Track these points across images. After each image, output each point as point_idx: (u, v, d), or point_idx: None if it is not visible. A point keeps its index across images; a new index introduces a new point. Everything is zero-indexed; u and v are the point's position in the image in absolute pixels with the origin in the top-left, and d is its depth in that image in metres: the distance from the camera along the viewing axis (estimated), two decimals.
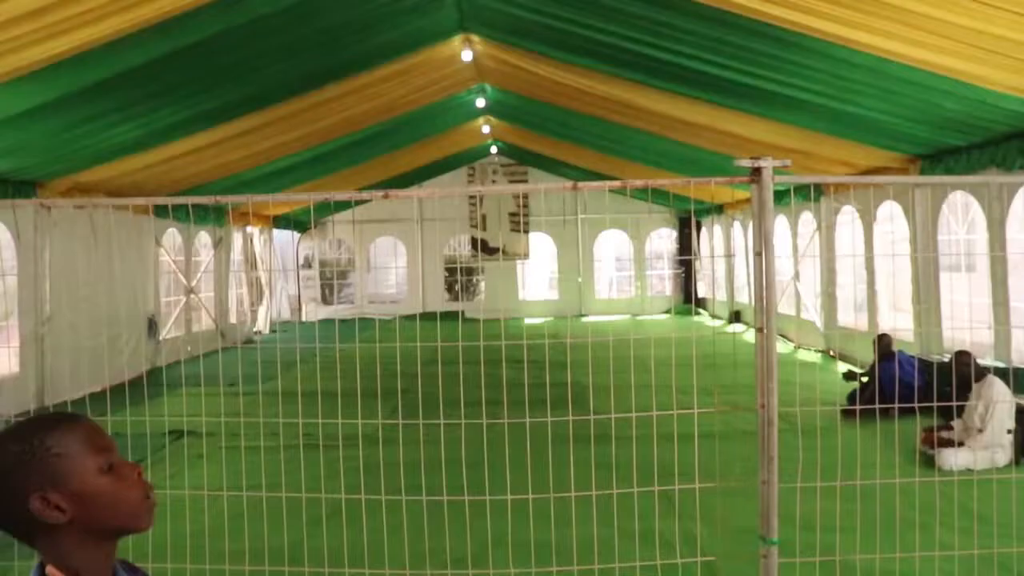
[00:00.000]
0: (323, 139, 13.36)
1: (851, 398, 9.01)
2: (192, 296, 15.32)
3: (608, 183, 4.52)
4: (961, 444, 7.09)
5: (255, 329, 18.94)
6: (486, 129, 19.05)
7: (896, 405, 7.08)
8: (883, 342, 9.20)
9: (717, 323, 19.73)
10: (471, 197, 22.56)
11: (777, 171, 3.85)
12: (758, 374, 3.88)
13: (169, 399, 9.90)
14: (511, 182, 22.37)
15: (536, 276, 24.56)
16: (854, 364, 12.02)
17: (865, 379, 9.35)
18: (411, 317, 20.09)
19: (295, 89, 10.32)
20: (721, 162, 7.99)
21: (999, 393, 7.02)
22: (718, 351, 11.97)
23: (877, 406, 7.57)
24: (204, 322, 15.99)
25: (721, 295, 20.51)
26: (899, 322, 11.18)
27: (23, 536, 1.44)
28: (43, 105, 7.67)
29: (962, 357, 7.27)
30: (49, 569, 1.40)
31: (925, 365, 8.86)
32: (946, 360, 8.52)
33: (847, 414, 8.16)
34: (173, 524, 5.25)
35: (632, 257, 23.53)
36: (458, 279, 23.65)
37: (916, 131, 9.00)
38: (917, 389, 8.05)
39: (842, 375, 9.81)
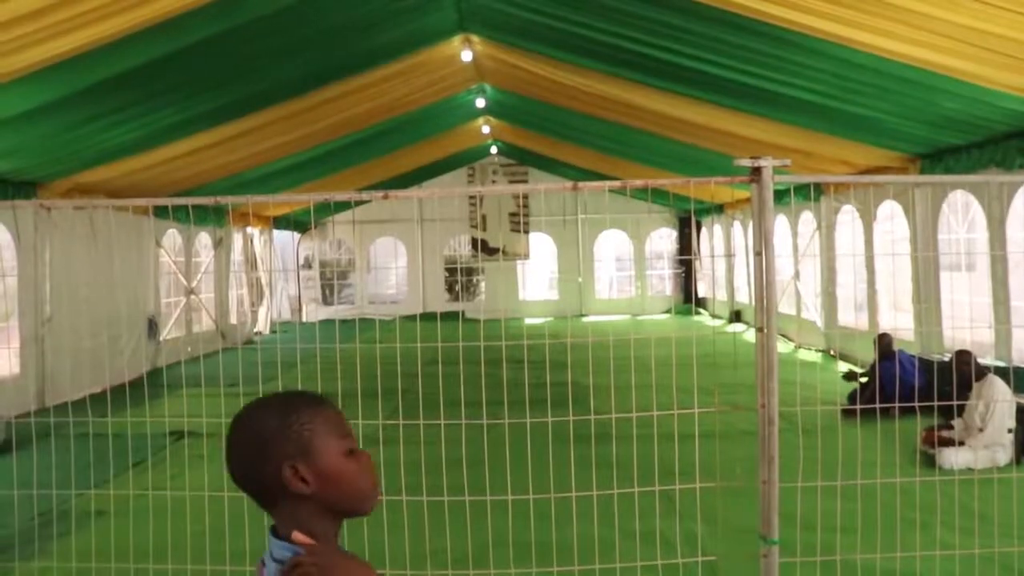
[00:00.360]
0: (323, 139, 13.36)
1: (851, 398, 9.00)
2: (192, 297, 15.33)
3: (608, 183, 4.52)
4: (962, 443, 7.09)
5: (255, 330, 18.94)
6: (486, 129, 19.06)
7: (896, 405, 7.07)
8: (883, 341, 9.20)
9: (717, 323, 19.72)
10: (471, 197, 22.57)
11: (777, 171, 3.85)
12: (758, 374, 3.88)
13: (170, 400, 9.90)
14: (511, 182, 22.37)
15: (536, 276, 24.56)
16: (855, 363, 12.01)
17: (865, 379, 9.35)
18: (411, 317, 20.08)
19: (295, 89, 10.32)
20: (721, 162, 7.99)
21: (1000, 392, 7.02)
22: (718, 351, 11.97)
23: (878, 405, 7.57)
24: (204, 323, 16.00)
25: (721, 295, 20.51)
26: (899, 321, 11.18)
27: (265, 500, 1.54)
28: (43, 106, 7.67)
29: (962, 356, 7.27)
30: (296, 534, 1.49)
31: (926, 364, 8.85)
32: (947, 359, 8.52)
33: (847, 414, 8.15)
34: (174, 525, 5.26)
35: (632, 257, 23.53)
36: (458, 279, 23.65)
37: (916, 130, 9.00)
38: (918, 389, 8.05)
39: (842, 376, 9.80)
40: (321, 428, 1.54)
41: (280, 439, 1.51)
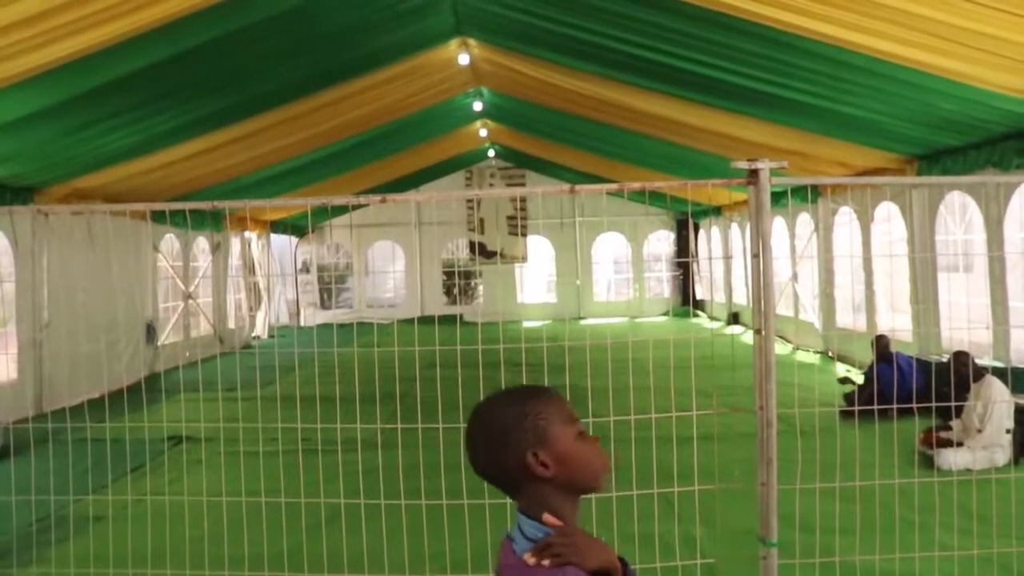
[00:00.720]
0: (321, 143, 13.36)
1: (848, 399, 9.01)
2: (190, 301, 15.32)
3: (605, 186, 4.52)
4: (960, 444, 7.09)
5: (253, 334, 18.93)
6: (483, 132, 19.07)
7: (894, 406, 7.08)
8: (881, 343, 9.20)
9: (715, 325, 19.73)
10: (469, 201, 22.58)
11: (774, 172, 3.86)
12: (756, 376, 3.89)
13: (168, 405, 9.90)
14: (508, 185, 22.37)
15: (534, 279, 24.56)
16: (852, 365, 12.04)
17: (861, 382, 9.34)
18: (409, 321, 20.08)
19: (292, 94, 10.32)
20: (718, 164, 7.98)
21: (998, 393, 7.03)
22: (716, 353, 11.98)
23: (875, 407, 7.57)
24: (203, 327, 15.98)
25: (719, 297, 20.53)
26: (897, 322, 11.18)
27: (510, 486, 1.71)
28: (40, 111, 7.67)
29: (960, 358, 7.27)
30: (546, 516, 1.64)
31: (924, 366, 8.86)
32: (944, 360, 8.53)
33: (845, 415, 8.16)
34: (172, 530, 5.25)
35: (630, 259, 23.55)
36: (456, 283, 23.66)
37: (913, 131, 9.01)
38: (916, 390, 8.05)
39: (837, 380, 9.81)
40: (554, 417, 1.67)
41: (519, 430, 1.65)
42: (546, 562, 1.57)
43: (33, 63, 6.49)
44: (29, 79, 6.76)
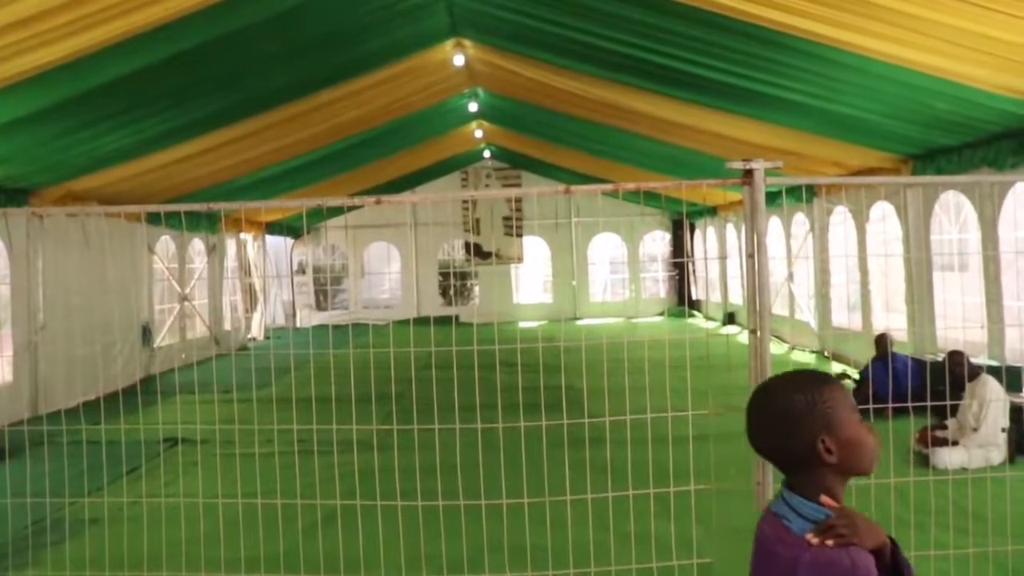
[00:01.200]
0: (316, 145, 13.36)
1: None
2: (186, 303, 15.29)
3: (600, 186, 4.53)
4: (956, 443, 7.10)
5: (249, 336, 18.91)
6: (479, 133, 19.07)
7: (889, 405, 7.08)
8: (882, 342, 9.17)
9: (711, 325, 19.74)
10: (464, 201, 22.58)
11: (769, 172, 3.86)
12: (752, 375, 3.89)
13: (164, 407, 9.88)
14: (504, 186, 22.37)
15: (530, 280, 24.56)
16: (848, 364, 12.05)
17: (857, 378, 9.35)
18: (405, 322, 20.07)
19: (288, 95, 10.31)
20: (713, 164, 7.98)
21: (993, 392, 7.04)
22: (712, 353, 11.98)
23: (870, 406, 7.56)
24: (199, 329, 15.96)
25: (716, 297, 20.54)
26: (892, 322, 11.20)
27: (789, 467, 1.76)
28: (35, 113, 7.65)
29: (955, 357, 7.28)
30: (824, 498, 1.71)
31: (920, 365, 8.86)
32: (939, 359, 8.54)
33: None
34: (169, 532, 5.24)
35: (626, 260, 23.56)
36: (452, 284, 23.65)
37: (907, 131, 9.02)
38: (911, 389, 8.06)
39: (835, 376, 9.79)
40: (840, 404, 1.72)
41: (809, 417, 1.69)
42: (830, 542, 1.64)
43: (28, 65, 6.48)
44: (24, 81, 6.75)
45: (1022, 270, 8.98)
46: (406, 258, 23.24)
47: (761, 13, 6.56)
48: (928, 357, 9.20)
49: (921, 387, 8.19)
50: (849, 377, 9.41)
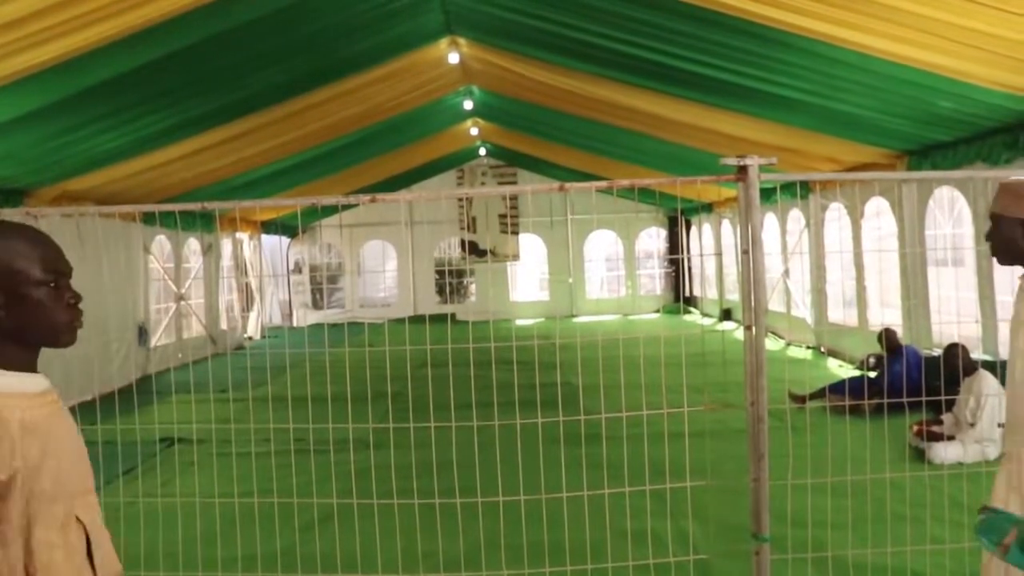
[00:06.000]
0: (311, 144, 13.35)
1: (837, 388, 8.92)
2: (182, 303, 15.28)
3: (595, 183, 4.54)
4: (951, 438, 7.12)
5: (246, 335, 18.90)
6: (474, 131, 19.07)
7: (904, 400, 7.04)
8: (891, 337, 9.12)
9: (708, 321, 19.77)
10: (460, 199, 22.58)
11: (763, 169, 3.87)
12: (747, 371, 3.90)
13: (160, 406, 9.88)
14: (500, 183, 22.35)
15: (527, 277, 24.57)
16: (843, 360, 12.08)
17: (873, 374, 9.30)
18: (401, 320, 20.08)
19: (282, 94, 10.30)
20: (709, 160, 8.00)
21: (989, 387, 7.05)
22: (708, 349, 12.00)
23: (865, 402, 7.58)
24: (195, 329, 15.95)
25: (712, 293, 20.56)
26: (888, 317, 11.22)
27: None
28: (30, 113, 7.63)
29: (952, 350, 7.28)
30: None
31: (932, 360, 8.76)
32: (935, 355, 8.55)
33: (837, 410, 8.16)
34: (165, 532, 5.24)
35: (622, 257, 23.57)
36: (448, 281, 23.65)
37: (903, 127, 9.03)
38: (915, 383, 8.03)
39: (859, 363, 9.72)
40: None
41: None
42: None
43: (22, 65, 6.47)
44: (18, 81, 6.74)
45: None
46: (402, 256, 23.23)
47: (760, 11, 6.56)
48: (924, 352, 9.21)
49: (918, 381, 8.19)
50: (870, 367, 9.33)
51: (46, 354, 1.91)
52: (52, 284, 1.80)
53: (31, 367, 1.83)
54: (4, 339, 1.76)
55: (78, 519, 1.84)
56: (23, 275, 1.76)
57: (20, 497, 1.68)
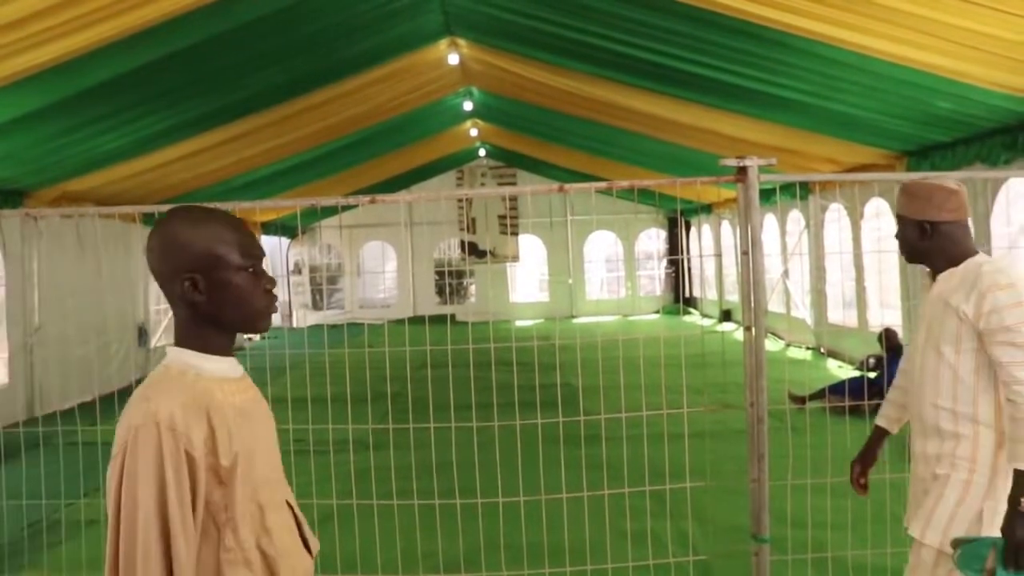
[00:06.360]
0: (311, 144, 13.35)
1: (837, 388, 8.92)
2: None
3: (594, 184, 4.53)
4: None
5: (246, 336, 18.90)
6: (474, 132, 19.07)
7: (879, 400, 7.06)
8: (892, 337, 9.12)
9: (708, 322, 19.77)
10: (459, 200, 22.58)
11: (763, 170, 3.87)
12: (747, 372, 3.90)
13: None
14: (500, 184, 22.37)
15: (527, 278, 24.58)
16: (843, 360, 12.08)
17: (873, 375, 9.30)
18: (401, 321, 20.08)
19: (282, 95, 10.31)
20: (708, 161, 8.01)
21: None
22: (708, 350, 12.00)
23: (857, 403, 7.57)
24: None
25: (711, 294, 20.56)
26: (887, 318, 11.21)
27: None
28: (29, 114, 7.64)
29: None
30: None
31: None
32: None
33: (836, 409, 8.16)
34: None
35: (622, 258, 23.57)
36: (448, 282, 23.65)
37: (903, 128, 9.03)
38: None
39: (859, 363, 9.73)
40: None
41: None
42: None
43: (21, 66, 6.47)
44: (18, 82, 6.74)
45: (1014, 265, 8.99)
46: (402, 257, 23.23)
47: (760, 12, 6.56)
48: None
49: None
50: (869, 367, 9.34)
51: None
52: (251, 269, 1.80)
53: (230, 352, 1.83)
54: (205, 324, 1.77)
55: (287, 502, 1.90)
56: (224, 260, 1.76)
57: (243, 482, 1.69)
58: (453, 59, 11.95)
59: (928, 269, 3.06)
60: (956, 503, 2.86)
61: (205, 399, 1.68)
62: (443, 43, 11.45)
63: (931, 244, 2.97)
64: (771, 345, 14.18)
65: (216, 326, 1.79)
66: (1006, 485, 2.81)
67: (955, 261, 2.95)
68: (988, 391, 2.84)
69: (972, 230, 3.06)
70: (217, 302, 1.75)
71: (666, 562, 4.73)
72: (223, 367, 1.78)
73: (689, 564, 4.79)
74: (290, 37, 8.49)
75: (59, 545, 5.51)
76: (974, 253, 2.97)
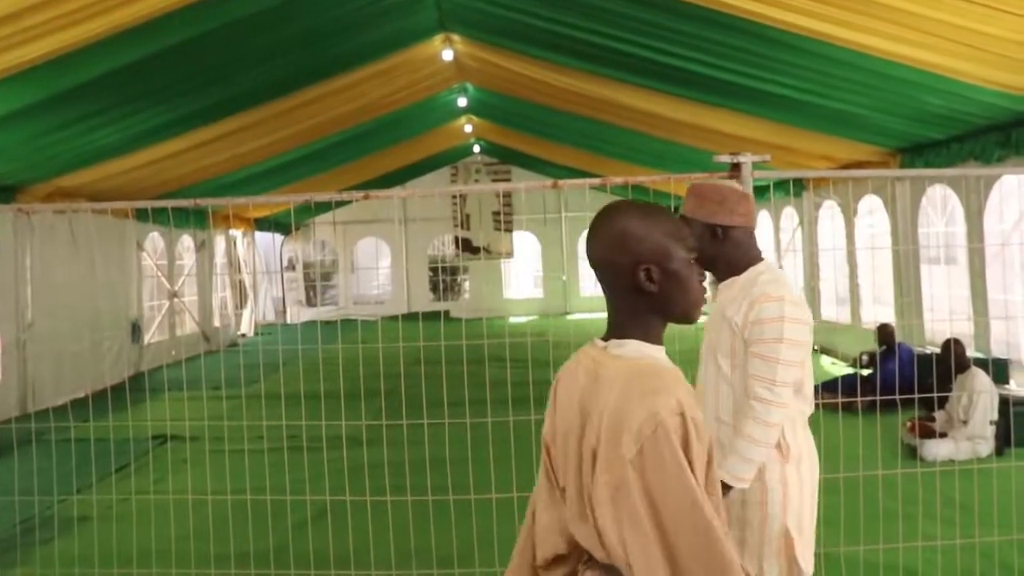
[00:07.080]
0: (305, 141, 13.33)
1: (830, 385, 8.93)
2: (175, 300, 15.24)
3: (589, 180, 4.53)
4: (944, 435, 7.13)
5: (239, 332, 18.87)
6: (468, 128, 19.05)
7: (896, 397, 7.05)
8: (886, 333, 9.11)
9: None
10: (453, 196, 22.56)
11: (757, 166, 3.88)
12: None
13: (153, 404, 9.85)
14: (494, 180, 22.36)
15: (521, 275, 24.58)
16: (836, 357, 12.10)
17: (867, 372, 9.31)
18: (394, 318, 20.07)
19: (276, 91, 10.28)
20: (703, 158, 8.03)
21: (982, 384, 7.06)
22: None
23: (877, 398, 7.58)
24: (188, 326, 15.90)
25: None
26: (880, 315, 11.24)
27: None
28: (22, 109, 7.61)
29: (953, 346, 7.25)
30: None
31: (925, 357, 8.74)
32: (928, 352, 8.56)
33: (830, 406, 8.16)
34: (158, 529, 5.24)
35: None
36: (442, 279, 23.64)
37: (896, 125, 9.05)
38: (908, 380, 8.02)
39: (853, 360, 9.74)
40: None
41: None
42: None
43: (13, 61, 6.45)
44: (9, 77, 6.72)
45: (1007, 263, 9.02)
46: (396, 254, 23.21)
47: (755, 9, 6.57)
48: (917, 349, 9.22)
49: (911, 378, 8.19)
50: (865, 364, 9.35)
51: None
52: (692, 261, 1.85)
53: (662, 342, 1.89)
54: (650, 314, 1.84)
55: None
56: (673, 252, 1.82)
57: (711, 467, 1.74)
58: (447, 55, 11.93)
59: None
60: (759, 524, 2.76)
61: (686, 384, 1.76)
62: (437, 39, 11.44)
63: (719, 250, 2.85)
64: None
65: (661, 315, 1.86)
66: (801, 499, 2.76)
67: (739, 269, 2.87)
68: None
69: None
70: (667, 291, 1.82)
71: None
72: (665, 356, 1.85)
73: None
74: (284, 33, 8.47)
75: (51, 541, 5.50)
76: (758, 260, 2.88)
